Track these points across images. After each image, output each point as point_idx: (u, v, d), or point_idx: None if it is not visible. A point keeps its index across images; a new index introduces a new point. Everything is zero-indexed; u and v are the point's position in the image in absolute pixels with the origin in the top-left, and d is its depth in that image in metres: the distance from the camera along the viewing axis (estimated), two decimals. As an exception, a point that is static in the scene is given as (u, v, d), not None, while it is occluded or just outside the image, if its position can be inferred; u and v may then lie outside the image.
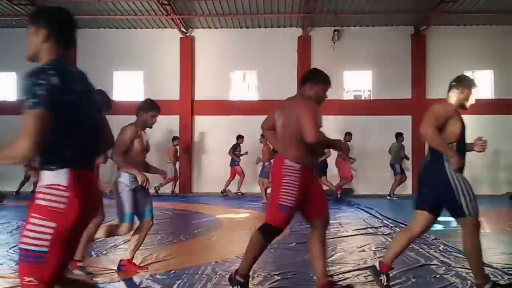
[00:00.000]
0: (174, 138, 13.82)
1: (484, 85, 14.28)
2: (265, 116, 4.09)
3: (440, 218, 3.90)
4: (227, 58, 14.81)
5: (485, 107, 13.78)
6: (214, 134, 14.66)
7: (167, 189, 13.52)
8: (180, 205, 10.99)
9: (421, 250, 5.61)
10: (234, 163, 13.50)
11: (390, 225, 7.61)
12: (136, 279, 4.34)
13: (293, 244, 5.91)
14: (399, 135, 12.85)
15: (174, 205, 10.98)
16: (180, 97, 14.75)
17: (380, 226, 7.54)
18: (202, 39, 14.94)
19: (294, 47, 14.58)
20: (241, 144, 13.52)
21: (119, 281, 4.36)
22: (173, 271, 4.58)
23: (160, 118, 4.84)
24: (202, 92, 14.82)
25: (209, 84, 14.76)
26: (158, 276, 4.40)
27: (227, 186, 13.69)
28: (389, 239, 6.33)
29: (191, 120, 14.80)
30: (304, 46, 14.58)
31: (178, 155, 13.94)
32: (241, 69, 15.19)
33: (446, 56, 14.13)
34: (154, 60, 14.75)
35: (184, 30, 14.68)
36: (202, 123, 14.85)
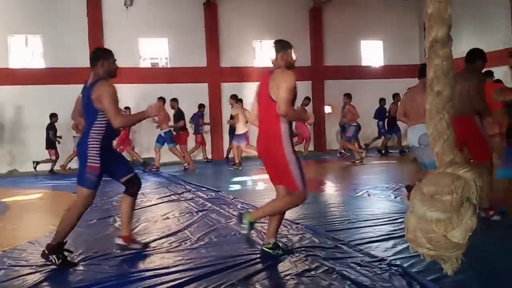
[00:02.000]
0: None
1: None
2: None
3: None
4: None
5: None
6: None
7: None
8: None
9: (221, 210, 5.91)
10: (198, 131, 13.52)
11: (193, 189, 7.84)
12: None
13: (94, 221, 5.62)
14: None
15: None
16: None
17: (183, 192, 7.70)
18: None
19: (84, 11, 13.54)
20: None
21: None
22: None
23: None
24: None
25: None
26: None
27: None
28: (192, 204, 6.52)
29: None
30: (95, 10, 13.63)
31: None
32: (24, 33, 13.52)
33: (236, 25, 14.89)
34: None
35: None
36: None
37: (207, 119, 14.16)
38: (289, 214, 5.48)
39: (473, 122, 4.71)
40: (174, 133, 11.59)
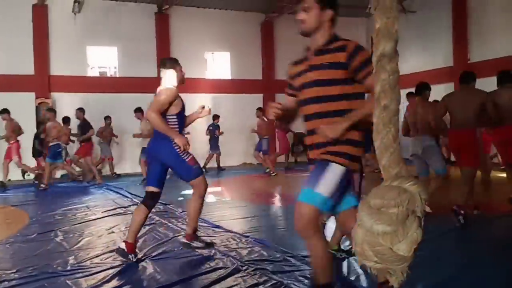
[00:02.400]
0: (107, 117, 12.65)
1: (224, 66, 15.60)
2: None
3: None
4: None
5: (224, 87, 15.14)
6: None
7: None
8: None
9: (170, 224, 5.78)
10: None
11: (139, 202, 7.62)
12: None
13: (34, 236, 5.34)
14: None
15: None
16: None
17: (130, 205, 7.48)
18: None
19: (30, 17, 13.06)
20: None
21: None
22: None
23: None
24: None
25: None
26: None
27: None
28: (139, 217, 6.33)
29: None
30: (41, 16, 13.17)
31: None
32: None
33: (188, 36, 14.80)
34: None
35: None
36: None
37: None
38: (239, 227, 5.46)
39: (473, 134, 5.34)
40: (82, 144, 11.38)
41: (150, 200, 4.19)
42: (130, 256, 4.04)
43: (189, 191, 9.05)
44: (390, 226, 1.25)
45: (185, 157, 4.07)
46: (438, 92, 12.17)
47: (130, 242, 4.08)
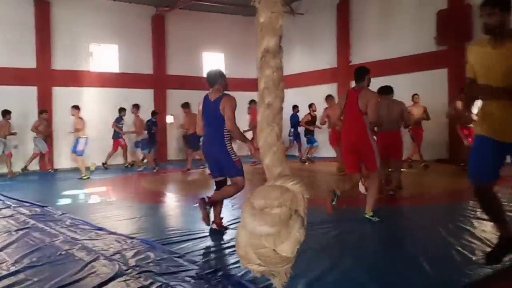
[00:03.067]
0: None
1: (111, 59, 14.85)
2: None
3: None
4: None
5: (111, 80, 14.47)
6: None
7: None
8: None
9: (46, 228, 5.32)
10: (117, 136, 13.34)
11: (13, 205, 6.96)
12: None
13: None
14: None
15: None
16: None
17: (1, 208, 6.77)
18: None
19: None
20: (123, 117, 13.41)
21: None
22: None
23: None
24: None
25: None
26: None
27: (108, 158, 13.38)
28: (12, 221, 5.75)
29: None
30: None
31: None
32: None
33: (72, 26, 13.85)
34: None
35: None
36: None
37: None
38: (124, 229, 5.20)
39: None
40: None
41: (220, 187, 5.00)
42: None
43: (69, 192, 8.52)
44: (273, 227, 1.21)
45: (235, 158, 4.80)
46: (323, 91, 12.84)
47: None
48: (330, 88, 13.92)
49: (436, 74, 12.09)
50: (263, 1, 1.15)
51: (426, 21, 12.12)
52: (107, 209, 6.70)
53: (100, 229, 5.19)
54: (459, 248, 4.00)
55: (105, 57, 14.83)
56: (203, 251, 4.24)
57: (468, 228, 4.74)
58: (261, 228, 1.23)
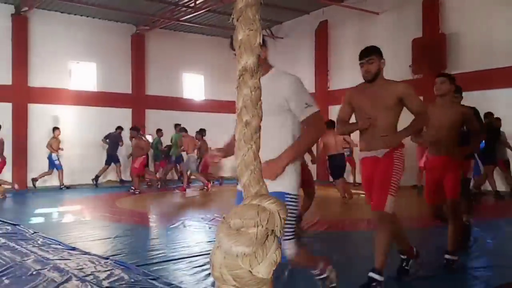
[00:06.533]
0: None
1: (89, 78, 14.72)
2: None
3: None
4: None
5: (88, 99, 14.33)
6: None
7: None
8: None
9: (17, 247, 5.17)
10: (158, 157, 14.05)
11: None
12: None
13: None
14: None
15: None
16: None
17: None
18: None
19: None
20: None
21: None
22: None
23: None
24: None
25: None
26: None
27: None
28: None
29: None
30: None
31: None
32: None
33: (49, 43, 13.74)
34: None
35: None
36: None
37: (10, 142, 12.53)
38: (98, 249, 5.09)
39: None
40: None
41: None
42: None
43: (42, 211, 8.31)
44: (249, 247, 1.19)
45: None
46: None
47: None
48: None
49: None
50: (241, 18, 1.16)
51: (402, 49, 12.39)
52: (81, 228, 6.56)
53: (73, 249, 5.07)
54: None
55: (83, 75, 14.71)
56: (178, 273, 4.17)
57: None
58: (236, 248, 1.21)
